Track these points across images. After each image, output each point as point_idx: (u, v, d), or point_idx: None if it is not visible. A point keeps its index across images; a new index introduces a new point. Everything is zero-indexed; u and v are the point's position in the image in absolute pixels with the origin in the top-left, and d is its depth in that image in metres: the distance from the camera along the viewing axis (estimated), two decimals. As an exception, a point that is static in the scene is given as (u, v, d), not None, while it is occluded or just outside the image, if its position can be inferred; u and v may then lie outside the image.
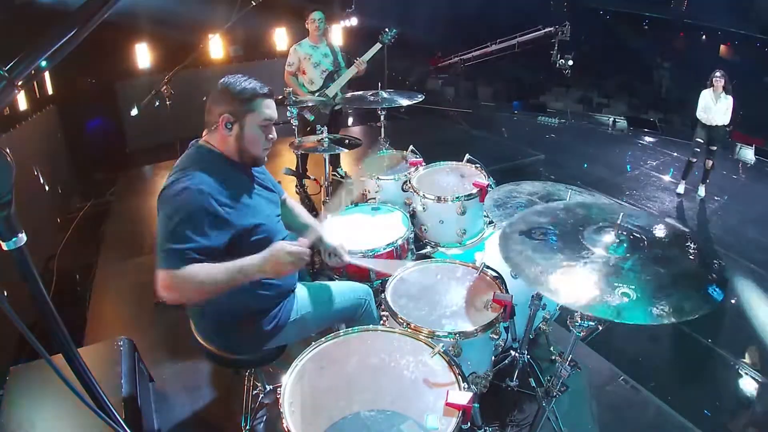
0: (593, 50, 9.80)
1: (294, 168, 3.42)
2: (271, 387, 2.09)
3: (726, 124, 4.90)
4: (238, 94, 1.48)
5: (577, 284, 1.30)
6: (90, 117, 6.19)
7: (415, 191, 2.51)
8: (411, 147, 3.03)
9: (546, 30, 9.04)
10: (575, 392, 2.22)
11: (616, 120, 8.26)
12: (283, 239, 1.64)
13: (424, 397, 1.28)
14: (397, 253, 2.18)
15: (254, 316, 1.60)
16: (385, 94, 3.10)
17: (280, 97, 2.98)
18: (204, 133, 1.57)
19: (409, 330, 1.55)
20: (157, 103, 3.40)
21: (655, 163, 6.38)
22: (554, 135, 7.69)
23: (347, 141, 2.79)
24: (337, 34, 6.59)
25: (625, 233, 1.44)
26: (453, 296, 1.75)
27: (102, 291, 3.23)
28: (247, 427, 1.99)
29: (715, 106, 4.85)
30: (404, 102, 3.05)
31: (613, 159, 6.65)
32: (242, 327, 1.60)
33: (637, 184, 5.69)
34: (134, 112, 3.41)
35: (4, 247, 0.68)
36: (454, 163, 2.79)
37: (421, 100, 3.07)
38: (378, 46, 3.70)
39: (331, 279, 2.35)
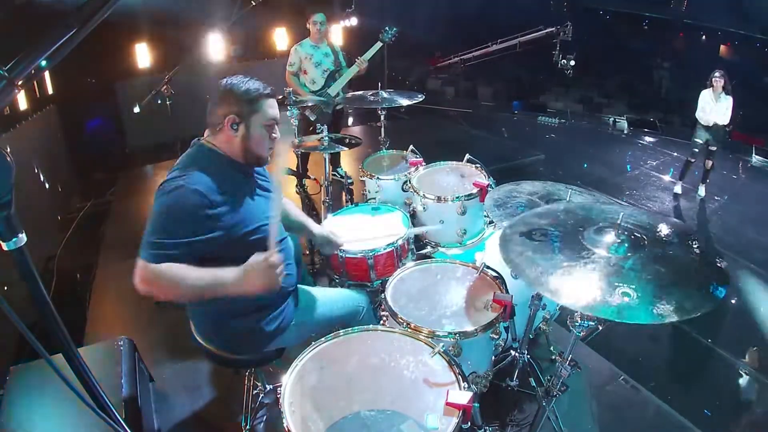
0: (593, 50, 9.79)
1: (294, 168, 3.42)
2: (271, 387, 2.09)
3: (726, 124, 4.89)
4: (243, 94, 1.48)
5: (578, 284, 1.29)
6: (90, 117, 6.20)
7: (415, 191, 2.51)
8: (411, 147, 3.03)
9: (548, 30, 9.03)
10: (575, 392, 2.22)
11: (617, 120, 8.26)
12: (281, 241, 1.64)
13: (424, 397, 1.28)
14: (397, 254, 2.18)
15: (254, 317, 1.59)
16: (385, 94, 3.09)
17: (280, 97, 2.98)
18: (206, 134, 1.57)
19: (409, 330, 1.55)
20: (159, 101, 3.41)
21: (655, 163, 6.38)
22: (554, 135, 7.69)
23: (347, 140, 2.79)
24: (337, 34, 6.60)
25: (625, 233, 1.44)
26: (453, 296, 1.75)
27: (102, 291, 3.23)
28: (247, 427, 1.99)
29: (714, 106, 4.85)
30: (404, 102, 3.05)
31: (613, 159, 6.65)
32: (242, 328, 1.59)
33: (637, 184, 5.69)
34: (137, 109, 3.42)
35: (4, 247, 0.68)
36: (454, 163, 2.79)
37: (421, 100, 3.07)
38: (378, 44, 3.70)
39: (332, 279, 2.35)
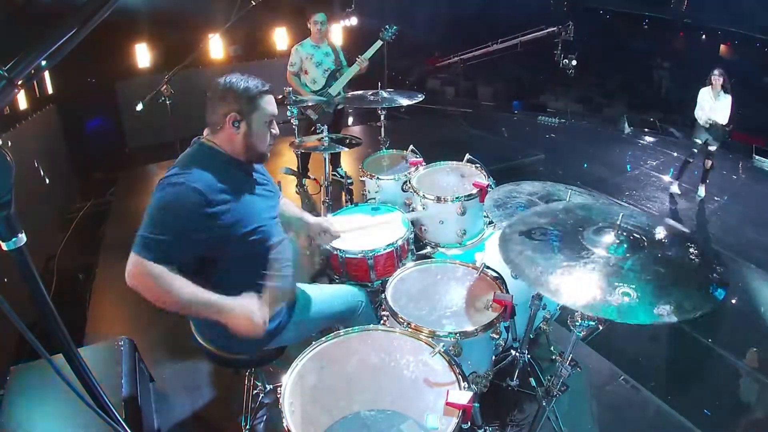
0: (593, 50, 9.79)
1: (294, 168, 3.42)
2: (271, 387, 2.09)
3: (725, 123, 4.88)
4: (243, 92, 1.49)
5: (577, 284, 1.30)
6: (90, 117, 6.20)
7: (415, 191, 2.51)
8: (411, 147, 3.03)
9: (550, 30, 9.03)
10: (575, 392, 2.22)
11: (617, 120, 8.25)
12: (280, 241, 1.64)
13: (425, 397, 1.28)
14: (396, 254, 2.18)
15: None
16: (385, 94, 3.09)
17: (280, 96, 2.98)
18: (206, 133, 1.57)
19: (410, 330, 1.55)
20: (162, 99, 3.41)
21: (655, 163, 6.38)
22: (554, 135, 7.69)
23: (348, 140, 2.79)
24: (337, 34, 6.59)
25: (624, 233, 1.44)
26: (453, 296, 1.75)
27: (102, 291, 3.23)
28: (247, 427, 1.99)
29: (713, 105, 4.84)
30: (404, 102, 3.04)
31: (613, 159, 6.65)
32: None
33: (637, 184, 5.69)
34: (139, 107, 3.42)
35: (4, 247, 0.68)
36: (454, 163, 2.78)
37: (421, 99, 3.07)
38: (379, 43, 3.70)
39: (331, 279, 2.35)
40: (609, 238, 1.43)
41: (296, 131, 3.15)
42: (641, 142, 7.48)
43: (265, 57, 7.02)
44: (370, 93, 3.16)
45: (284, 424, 1.20)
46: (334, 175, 4.27)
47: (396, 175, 2.75)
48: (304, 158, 3.90)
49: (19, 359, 2.44)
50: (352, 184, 3.31)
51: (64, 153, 5.28)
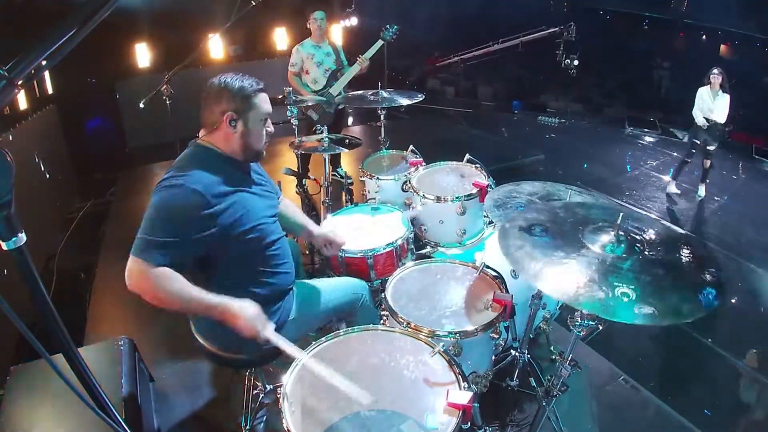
0: (593, 50, 9.79)
1: (294, 168, 3.42)
2: (271, 387, 2.09)
3: (723, 123, 4.87)
4: (239, 91, 1.49)
5: (566, 277, 1.32)
6: (90, 116, 6.20)
7: (415, 191, 2.51)
8: (411, 147, 3.03)
9: (552, 30, 9.02)
10: (575, 392, 2.22)
11: (618, 120, 8.25)
12: (278, 239, 1.64)
13: (425, 397, 1.28)
14: (396, 253, 2.18)
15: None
16: (385, 94, 3.09)
17: (280, 96, 2.98)
18: (201, 133, 1.57)
19: (410, 329, 1.55)
20: (164, 97, 3.41)
21: (655, 163, 6.38)
22: (554, 135, 7.69)
23: (347, 141, 2.79)
24: (337, 34, 6.59)
25: (623, 234, 1.45)
26: (453, 296, 1.75)
27: (102, 291, 3.23)
28: (247, 427, 1.99)
29: (712, 104, 4.83)
30: (404, 102, 3.04)
31: (613, 159, 6.65)
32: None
33: (637, 184, 5.69)
34: (141, 105, 3.43)
35: (4, 247, 0.68)
36: (454, 163, 2.79)
37: (421, 99, 3.07)
38: (380, 42, 3.70)
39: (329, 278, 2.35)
40: (607, 237, 1.43)
41: (296, 131, 3.14)
42: (641, 142, 7.47)
43: (265, 57, 7.02)
44: (370, 93, 3.16)
45: (284, 424, 1.20)
46: (334, 175, 4.27)
47: (396, 175, 2.75)
48: (304, 158, 3.89)
49: (19, 359, 2.44)
50: (352, 184, 3.31)
51: (64, 153, 5.28)
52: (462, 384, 1.30)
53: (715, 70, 4.79)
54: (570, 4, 11.84)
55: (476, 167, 2.67)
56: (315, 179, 3.35)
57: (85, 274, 3.55)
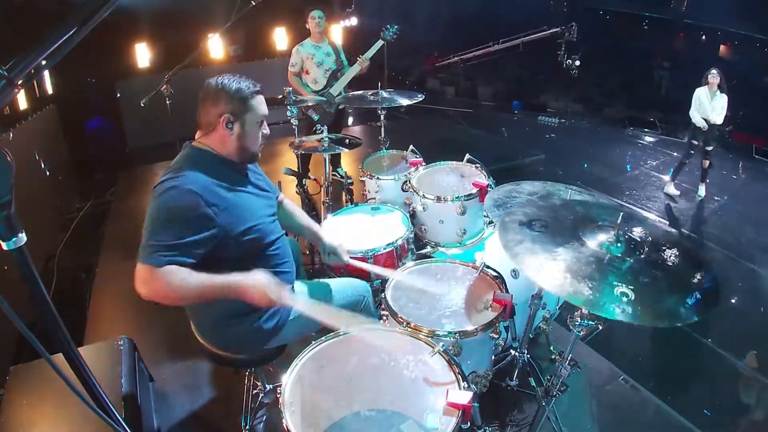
0: (593, 50, 9.79)
1: (294, 168, 3.43)
2: (271, 386, 2.09)
3: (720, 123, 4.86)
4: (236, 93, 1.49)
5: (560, 271, 1.34)
6: (90, 116, 6.20)
7: (415, 191, 2.51)
8: (411, 147, 3.03)
9: (553, 30, 9.03)
10: (575, 392, 2.22)
11: (618, 120, 8.26)
12: (278, 239, 1.64)
13: (424, 397, 1.28)
14: (397, 253, 2.18)
15: (254, 315, 1.60)
16: (385, 94, 3.09)
17: (280, 96, 2.98)
18: (197, 135, 1.57)
19: (409, 329, 1.55)
20: (167, 95, 3.41)
21: (655, 163, 6.38)
22: (554, 135, 7.69)
23: (347, 141, 2.79)
24: (337, 34, 6.60)
25: (623, 234, 1.45)
26: (453, 296, 1.75)
27: (102, 291, 3.23)
28: (247, 427, 1.99)
29: (709, 105, 4.83)
30: (404, 102, 3.04)
31: (613, 159, 6.65)
32: (242, 326, 1.60)
33: (637, 184, 5.69)
34: (142, 103, 3.43)
35: (4, 246, 0.68)
36: (454, 163, 2.79)
37: (421, 99, 3.07)
38: (380, 42, 3.70)
39: (330, 278, 2.35)
40: (604, 236, 1.45)
41: (296, 131, 3.15)
42: (641, 142, 7.48)
43: (265, 57, 7.02)
44: (370, 93, 3.16)
45: (284, 424, 1.20)
46: (335, 175, 4.27)
47: (396, 175, 2.75)
48: (304, 158, 3.89)
49: (19, 359, 2.44)
50: (352, 184, 3.31)
51: (64, 153, 5.28)
52: (462, 384, 1.30)
53: (714, 71, 4.78)
54: (570, 5, 11.85)
55: (476, 167, 2.68)
56: (315, 179, 3.35)
57: (85, 274, 3.55)
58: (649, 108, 8.82)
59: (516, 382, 2.13)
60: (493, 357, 1.82)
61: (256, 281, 1.43)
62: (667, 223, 4.80)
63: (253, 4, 2.99)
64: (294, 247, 2.09)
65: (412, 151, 3.01)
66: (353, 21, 7.49)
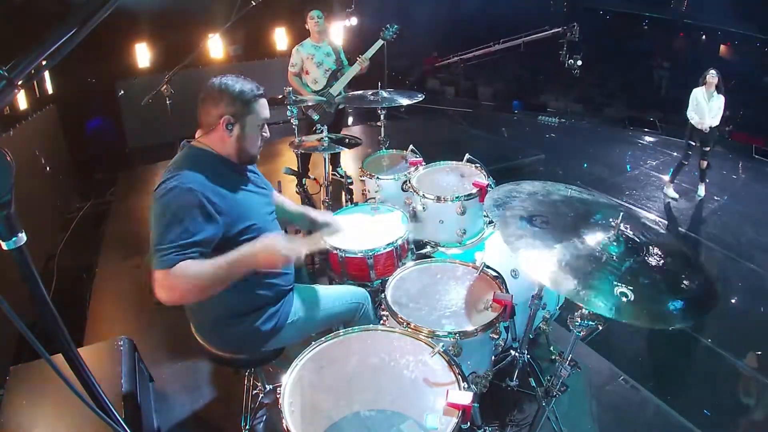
0: (593, 50, 9.80)
1: (294, 168, 3.43)
2: (271, 387, 2.09)
3: (717, 124, 4.85)
4: (238, 95, 1.49)
5: (558, 268, 1.36)
6: (90, 116, 6.20)
7: (415, 191, 2.51)
8: (411, 147, 3.03)
9: (555, 30, 9.03)
10: (575, 392, 2.22)
11: (616, 120, 8.26)
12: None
13: (424, 397, 1.28)
14: (396, 253, 2.18)
15: (253, 317, 1.60)
16: (385, 94, 3.09)
17: (280, 96, 2.98)
18: (197, 134, 1.57)
19: (409, 330, 1.55)
20: (168, 94, 3.41)
21: (655, 163, 6.38)
22: (554, 135, 7.69)
23: (347, 140, 2.79)
24: (337, 34, 6.59)
25: (622, 235, 1.46)
26: (453, 296, 1.75)
27: (102, 291, 3.23)
28: (247, 427, 1.99)
29: (706, 105, 4.82)
30: (404, 101, 3.04)
31: (613, 159, 6.65)
32: (241, 327, 1.60)
33: (637, 184, 5.69)
34: (144, 102, 3.43)
35: (4, 246, 0.68)
36: (454, 162, 2.79)
37: (421, 99, 3.07)
38: (380, 42, 3.70)
39: (331, 279, 2.35)
40: (602, 235, 1.46)
41: (296, 131, 3.14)
42: (641, 142, 7.48)
43: (265, 57, 7.02)
44: (370, 93, 3.16)
45: (284, 424, 1.20)
46: (334, 174, 4.27)
47: (396, 175, 2.75)
48: (304, 158, 3.89)
49: (19, 359, 2.44)
50: (352, 183, 3.31)
51: (65, 153, 5.28)
52: (462, 384, 1.30)
53: (712, 71, 4.76)
54: (570, 4, 11.85)
55: (476, 167, 2.67)
56: (315, 179, 3.36)
57: (85, 274, 3.55)
58: (649, 108, 8.82)
59: (516, 382, 2.13)
60: (493, 357, 1.82)
61: (264, 245, 1.42)
62: (667, 223, 4.80)
63: (253, 4, 2.99)
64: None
65: (412, 151, 3.01)
66: (353, 21, 7.48)
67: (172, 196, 1.38)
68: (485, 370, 1.74)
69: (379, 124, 3.25)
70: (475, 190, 2.41)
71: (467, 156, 2.72)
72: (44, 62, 0.67)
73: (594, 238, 1.45)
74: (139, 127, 6.10)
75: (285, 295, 1.69)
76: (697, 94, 4.86)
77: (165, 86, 3.45)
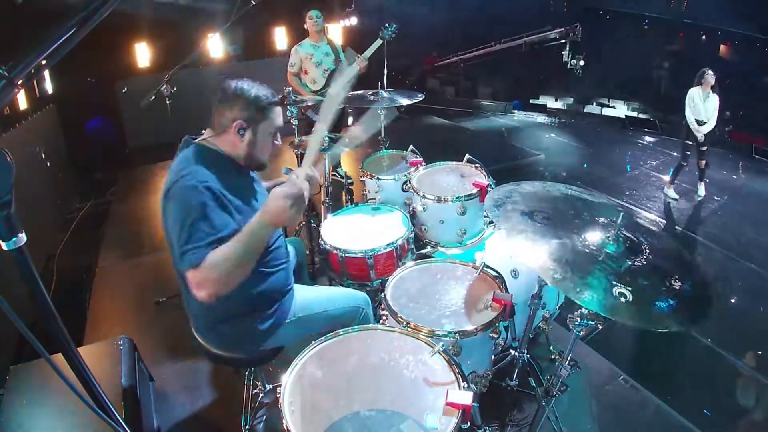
0: (593, 50, 9.80)
1: (294, 168, 3.43)
2: (271, 386, 2.09)
3: (714, 124, 4.84)
4: (254, 101, 1.47)
5: (556, 265, 1.37)
6: (90, 116, 6.20)
7: (415, 191, 2.51)
8: (411, 147, 3.03)
9: (558, 30, 9.03)
10: (575, 392, 2.22)
11: (616, 120, 8.26)
12: (278, 238, 1.64)
13: (424, 397, 1.28)
14: (397, 253, 2.18)
15: (252, 316, 1.60)
16: (385, 94, 3.09)
17: (280, 96, 2.98)
18: (207, 133, 1.56)
19: (409, 329, 1.55)
20: (169, 93, 3.40)
21: (655, 163, 6.38)
22: (554, 135, 7.69)
23: (348, 138, 2.78)
24: (337, 34, 6.60)
25: (622, 235, 1.46)
26: (453, 296, 1.75)
27: (102, 291, 3.23)
28: (247, 427, 1.99)
29: (702, 105, 4.81)
30: (404, 101, 3.04)
31: (613, 159, 6.66)
32: (240, 326, 1.60)
33: (637, 184, 5.69)
34: (143, 103, 3.42)
35: (4, 246, 0.68)
36: (454, 163, 2.79)
37: (421, 99, 3.07)
38: (378, 42, 3.70)
39: (331, 279, 2.35)
40: (601, 234, 1.47)
41: (296, 131, 3.15)
42: (641, 142, 7.48)
43: (265, 57, 7.02)
44: (370, 93, 3.16)
45: (284, 424, 1.20)
46: (334, 175, 4.27)
47: (396, 175, 2.76)
48: (303, 159, 3.90)
49: (19, 359, 2.44)
50: (352, 184, 3.31)
51: (64, 153, 5.28)
52: (461, 384, 1.30)
53: (710, 71, 4.76)
54: (570, 4, 11.84)
55: (476, 167, 2.68)
56: (315, 179, 3.35)
57: (85, 274, 3.55)
58: (649, 108, 8.82)
59: (516, 382, 2.13)
60: (493, 357, 1.82)
61: (272, 208, 1.30)
62: (666, 222, 4.80)
63: (253, 3, 2.99)
64: (298, 247, 2.09)
65: (412, 151, 3.01)
66: (353, 21, 7.48)
67: (193, 196, 1.35)
68: (485, 369, 1.74)
69: (379, 124, 3.25)
70: (475, 191, 2.41)
71: (467, 156, 2.72)
72: (44, 62, 0.67)
73: (594, 237, 1.46)
74: (139, 127, 6.10)
75: (285, 295, 1.69)
76: (694, 94, 4.85)
77: (165, 86, 3.45)
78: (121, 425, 0.84)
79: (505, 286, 1.81)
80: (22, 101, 4.26)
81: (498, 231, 2.03)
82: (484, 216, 2.55)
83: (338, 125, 4.17)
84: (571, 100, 9.36)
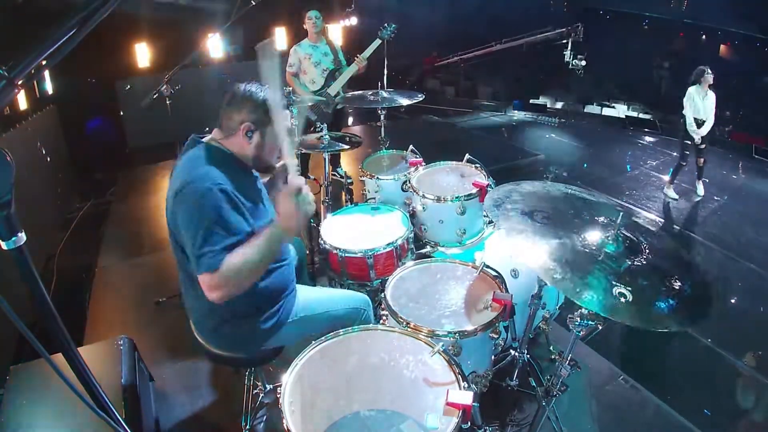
0: (593, 50, 9.80)
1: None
2: (271, 386, 2.09)
3: (713, 123, 4.85)
4: (262, 104, 1.48)
5: (555, 263, 1.36)
6: (90, 116, 6.20)
7: (415, 191, 2.51)
8: (411, 147, 3.03)
9: (559, 30, 9.03)
10: (575, 392, 2.22)
11: (616, 120, 8.26)
12: None
13: (424, 397, 1.28)
14: (396, 253, 2.18)
15: (254, 316, 1.60)
16: (385, 94, 3.09)
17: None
18: (215, 133, 1.56)
19: (409, 329, 1.55)
20: (169, 93, 3.40)
21: (655, 163, 6.38)
22: (554, 135, 7.69)
23: (348, 139, 2.79)
24: (336, 34, 6.59)
25: (622, 235, 1.46)
26: (453, 295, 1.75)
27: (102, 291, 3.23)
28: (247, 427, 1.99)
29: (701, 104, 4.81)
30: (404, 101, 3.04)
31: (613, 159, 6.65)
32: (240, 326, 1.60)
33: (637, 184, 5.69)
34: (144, 103, 3.43)
35: (4, 246, 0.68)
36: (454, 163, 2.79)
37: (421, 99, 3.07)
38: (377, 42, 3.70)
39: (331, 279, 2.35)
40: (600, 233, 1.47)
41: (296, 131, 3.15)
42: (641, 142, 7.48)
43: (265, 57, 7.01)
44: (370, 93, 3.16)
45: (284, 424, 1.20)
46: (334, 174, 4.27)
47: (396, 175, 2.76)
48: (303, 158, 3.90)
49: (19, 359, 2.44)
50: (352, 184, 3.31)
51: (65, 153, 5.28)
52: (462, 384, 1.30)
53: (709, 69, 4.77)
54: (570, 5, 11.84)
55: (476, 167, 2.68)
56: (315, 179, 3.36)
57: (85, 274, 3.55)
58: (649, 108, 8.82)
59: (516, 382, 2.13)
60: (493, 357, 1.82)
61: (283, 211, 1.36)
62: (665, 222, 4.80)
63: (253, 3, 2.99)
64: (299, 247, 2.09)
65: (412, 151, 3.01)
66: (353, 21, 7.49)
67: (209, 198, 1.35)
68: (485, 369, 1.74)
69: (379, 124, 3.26)
70: (475, 190, 2.41)
71: (467, 156, 2.72)
72: (44, 62, 0.67)
73: (593, 236, 1.46)
74: (139, 127, 6.10)
75: (288, 293, 1.69)
76: (693, 93, 4.86)
77: (165, 86, 3.45)
78: (122, 425, 0.84)
79: (505, 286, 1.81)
80: (22, 101, 4.26)
81: (498, 231, 2.02)
82: (484, 216, 2.55)
83: (338, 125, 4.16)
84: (571, 100, 9.36)
